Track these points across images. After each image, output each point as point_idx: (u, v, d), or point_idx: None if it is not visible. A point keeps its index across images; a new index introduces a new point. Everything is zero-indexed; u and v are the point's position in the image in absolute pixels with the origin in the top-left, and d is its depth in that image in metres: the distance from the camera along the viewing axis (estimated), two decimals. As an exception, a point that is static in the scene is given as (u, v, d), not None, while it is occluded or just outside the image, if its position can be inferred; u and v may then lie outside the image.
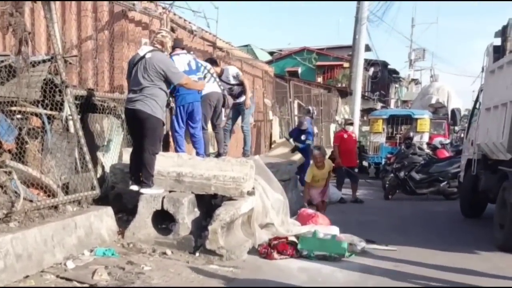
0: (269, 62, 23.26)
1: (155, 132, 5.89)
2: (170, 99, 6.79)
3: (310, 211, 7.59)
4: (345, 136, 12.24)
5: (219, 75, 8.23)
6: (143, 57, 5.90)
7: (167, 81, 5.97)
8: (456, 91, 24.83)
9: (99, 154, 6.65)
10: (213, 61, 8.32)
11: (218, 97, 7.79)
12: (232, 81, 8.50)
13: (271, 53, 33.14)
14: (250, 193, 6.44)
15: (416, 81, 49.04)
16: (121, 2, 7.45)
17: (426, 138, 16.97)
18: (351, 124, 13.55)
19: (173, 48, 7.05)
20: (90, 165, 5.86)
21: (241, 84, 8.61)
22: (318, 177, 9.03)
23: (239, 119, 9.23)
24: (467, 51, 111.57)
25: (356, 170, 12.94)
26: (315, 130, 19.93)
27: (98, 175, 6.49)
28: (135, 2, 7.64)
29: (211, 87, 7.65)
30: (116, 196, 6.44)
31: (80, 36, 7.73)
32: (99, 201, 6.14)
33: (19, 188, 4.61)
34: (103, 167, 6.64)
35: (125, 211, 6.26)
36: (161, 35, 6.12)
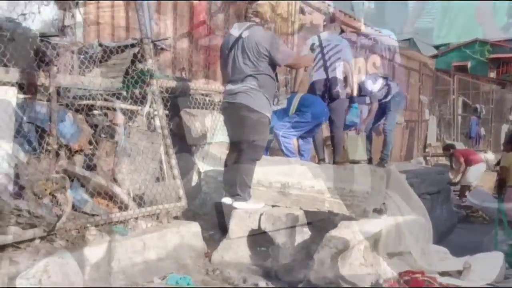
0: (434, 57, 20.97)
1: (258, 132, 4.68)
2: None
3: None
4: None
5: None
6: (240, 37, 4.66)
7: (273, 64, 4.67)
8: None
9: (196, 158, 5.64)
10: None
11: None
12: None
13: (437, 47, 30.43)
14: (379, 212, 4.99)
15: None
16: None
17: None
18: None
19: None
20: (176, 171, 4.85)
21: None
22: None
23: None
24: None
25: None
26: (482, 131, 17.42)
27: (194, 183, 5.50)
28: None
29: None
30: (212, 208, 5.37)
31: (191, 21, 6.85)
32: (191, 214, 5.14)
33: (67, 200, 3.72)
34: (199, 174, 5.61)
35: (222, 227, 5.16)
36: (256, 4, 4.76)
